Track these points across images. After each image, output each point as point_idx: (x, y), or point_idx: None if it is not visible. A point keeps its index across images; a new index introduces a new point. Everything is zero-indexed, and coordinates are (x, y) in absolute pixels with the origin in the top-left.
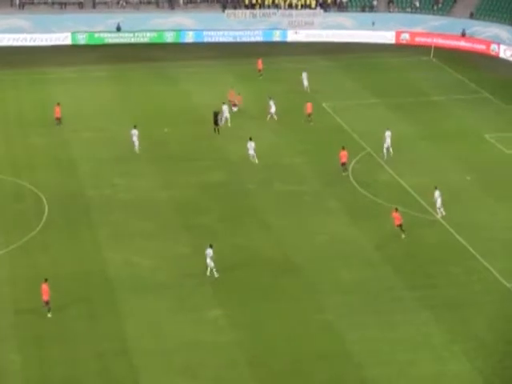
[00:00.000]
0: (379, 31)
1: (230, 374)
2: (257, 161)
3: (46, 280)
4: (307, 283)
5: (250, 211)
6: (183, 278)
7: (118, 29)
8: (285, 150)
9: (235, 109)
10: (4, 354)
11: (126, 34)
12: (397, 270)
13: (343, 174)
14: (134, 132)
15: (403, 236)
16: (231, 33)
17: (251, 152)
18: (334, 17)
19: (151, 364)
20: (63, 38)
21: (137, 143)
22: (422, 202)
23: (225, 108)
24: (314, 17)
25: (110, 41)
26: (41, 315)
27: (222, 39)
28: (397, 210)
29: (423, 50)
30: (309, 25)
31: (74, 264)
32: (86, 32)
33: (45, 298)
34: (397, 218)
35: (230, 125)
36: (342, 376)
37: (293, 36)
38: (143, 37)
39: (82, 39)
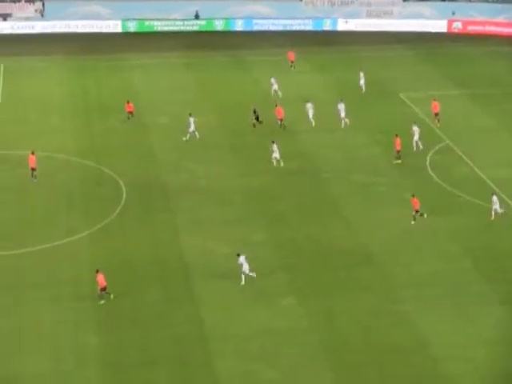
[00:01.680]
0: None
1: (305, 362)
2: (282, 164)
3: (97, 271)
4: (382, 275)
5: (325, 201)
6: (258, 265)
7: (197, 16)
8: (362, 140)
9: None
10: (83, 335)
11: (197, 22)
12: (473, 263)
13: (395, 161)
14: (192, 120)
15: (425, 215)
16: (306, 21)
17: (276, 155)
18: (413, 6)
19: (227, 350)
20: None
21: (191, 129)
22: (503, 196)
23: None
24: (393, 6)
25: (188, 28)
26: (118, 298)
27: (297, 27)
28: (414, 196)
29: (497, 39)
30: (388, 14)
31: (150, 248)
32: (163, 19)
33: (102, 285)
34: (415, 203)
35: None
36: (416, 368)
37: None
38: (218, 25)
39: (158, 26)
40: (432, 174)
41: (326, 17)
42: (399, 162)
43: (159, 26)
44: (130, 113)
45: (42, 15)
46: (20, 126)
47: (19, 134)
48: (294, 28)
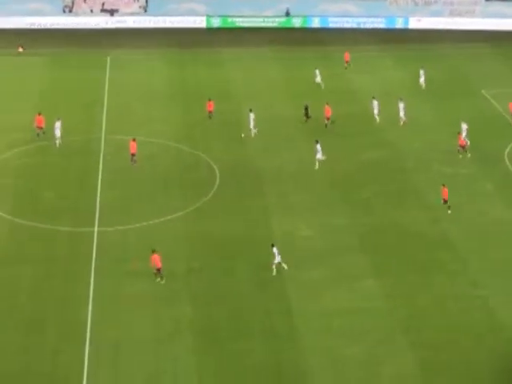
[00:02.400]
0: None
1: (385, 339)
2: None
3: (153, 251)
4: (461, 259)
5: (407, 189)
6: (342, 247)
7: (287, 14)
8: (443, 134)
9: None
10: (178, 306)
11: (276, 19)
12: None
13: (460, 156)
14: (252, 116)
15: (449, 211)
16: (379, 19)
17: (319, 156)
18: (495, 5)
19: (311, 326)
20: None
21: (252, 124)
22: None
23: None
24: (476, 5)
25: (269, 25)
26: (211, 273)
27: (380, 25)
28: (444, 185)
29: None
30: (470, 13)
31: (241, 229)
32: (253, 16)
33: (158, 265)
34: (445, 193)
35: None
36: (494, 350)
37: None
38: (295, 22)
39: (239, 22)
40: (510, 167)
41: (409, 16)
42: (463, 156)
43: (241, 23)
44: (210, 112)
45: (146, 11)
46: (125, 113)
47: (124, 120)
48: (367, 26)
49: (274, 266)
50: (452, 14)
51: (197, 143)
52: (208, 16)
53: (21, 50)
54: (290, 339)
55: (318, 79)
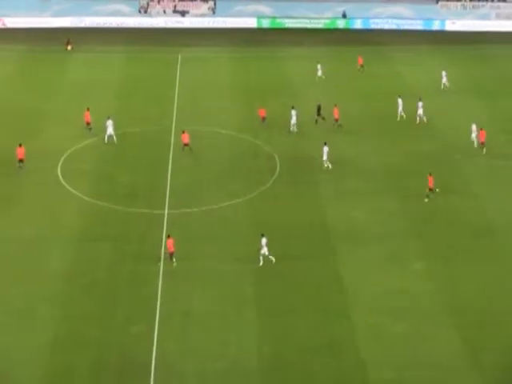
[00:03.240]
0: None
1: (431, 319)
2: (330, 166)
3: (169, 236)
4: (505, 247)
5: (456, 178)
6: (393, 232)
7: (344, 16)
8: (492, 129)
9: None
10: (242, 284)
11: (321, 20)
12: None
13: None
14: (294, 112)
15: (437, 189)
16: (441, 22)
17: (325, 158)
18: None
19: (361, 303)
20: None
21: (293, 121)
22: None
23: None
24: None
25: (314, 26)
26: (271, 254)
27: (408, 27)
28: (430, 174)
29: None
30: None
31: (299, 213)
32: (316, 18)
33: (170, 250)
34: (430, 181)
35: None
36: None
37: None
38: (339, 24)
39: (288, 23)
40: None
41: (459, 18)
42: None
43: (289, 23)
44: (263, 118)
45: (214, 12)
46: (193, 106)
47: (192, 112)
48: (406, 27)
49: (260, 257)
50: (498, 16)
51: (258, 134)
52: (260, 18)
53: (69, 47)
54: (341, 315)
55: (320, 73)
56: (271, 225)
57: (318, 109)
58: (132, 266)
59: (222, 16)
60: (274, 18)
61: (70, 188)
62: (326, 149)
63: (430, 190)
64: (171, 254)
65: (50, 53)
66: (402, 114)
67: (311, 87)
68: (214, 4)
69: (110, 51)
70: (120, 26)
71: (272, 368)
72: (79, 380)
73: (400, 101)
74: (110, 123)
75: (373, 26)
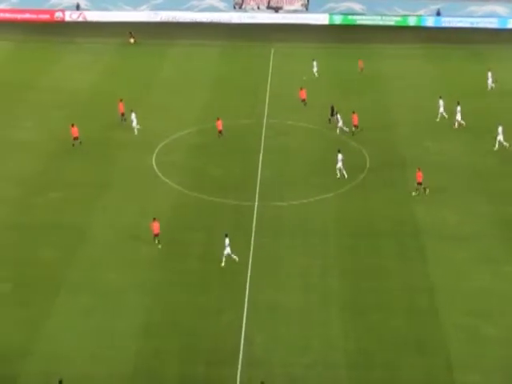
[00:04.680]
0: None
1: None
2: (346, 175)
3: (154, 219)
4: None
5: None
6: (484, 233)
7: (438, 13)
8: None
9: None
10: (328, 278)
11: (393, 18)
12: None
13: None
14: (441, 102)
15: (427, 191)
16: (492, 19)
17: (339, 165)
18: None
19: (451, 303)
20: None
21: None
22: None
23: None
24: None
25: (386, 23)
26: (358, 250)
27: (482, 25)
28: (419, 169)
29: None
30: None
31: (387, 210)
32: (408, 15)
33: (155, 232)
34: (419, 176)
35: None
36: None
37: None
38: (411, 21)
39: (360, 20)
40: None
41: None
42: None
43: (360, 20)
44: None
45: (307, 9)
46: (284, 100)
47: (283, 106)
48: (480, 25)
49: (223, 257)
50: None
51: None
52: (332, 14)
53: (132, 40)
54: (430, 314)
55: (315, 69)
56: (360, 221)
57: (332, 109)
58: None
59: (314, 12)
60: (346, 14)
61: (163, 178)
62: (340, 156)
63: (419, 184)
64: (156, 236)
65: (148, 46)
66: (444, 114)
67: (403, 85)
68: (307, 1)
69: (205, 45)
70: (215, 21)
71: (357, 364)
72: (169, 365)
73: (441, 102)
74: (133, 116)
75: (443, 25)
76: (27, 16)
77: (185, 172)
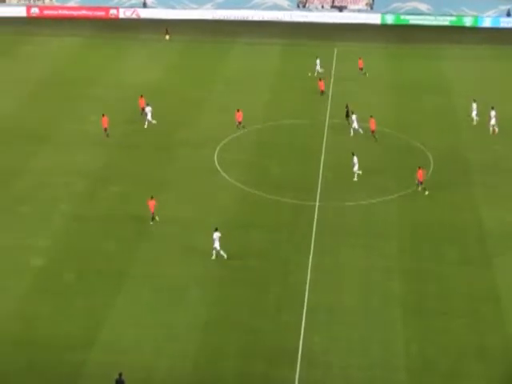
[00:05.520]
0: None
1: None
2: (356, 178)
3: (152, 197)
4: None
5: None
6: None
7: (508, 14)
8: None
9: None
10: (388, 280)
11: (447, 18)
12: None
13: None
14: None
15: (426, 192)
16: None
17: (355, 169)
18: None
19: None
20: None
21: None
22: None
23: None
24: None
25: (440, 23)
26: (419, 253)
27: None
28: (420, 168)
29: None
30: None
31: (451, 215)
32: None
33: (151, 210)
34: (420, 175)
35: None
36: None
37: None
38: (466, 21)
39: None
40: None
41: None
42: None
43: (414, 20)
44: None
45: (371, 8)
46: (347, 100)
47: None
48: None
49: (213, 251)
50: None
51: (410, 131)
52: (384, 14)
53: (167, 37)
54: (495, 324)
55: (318, 67)
56: (423, 225)
57: (347, 110)
58: (282, 255)
59: (379, 12)
60: (398, 14)
61: (224, 175)
62: (355, 159)
63: (420, 182)
64: (153, 214)
65: (210, 43)
66: (475, 117)
67: (468, 87)
68: (372, 0)
69: (267, 44)
70: (278, 19)
71: (418, 368)
72: (229, 361)
73: (474, 105)
74: (148, 109)
75: (502, 25)
76: (83, 13)
77: (246, 170)
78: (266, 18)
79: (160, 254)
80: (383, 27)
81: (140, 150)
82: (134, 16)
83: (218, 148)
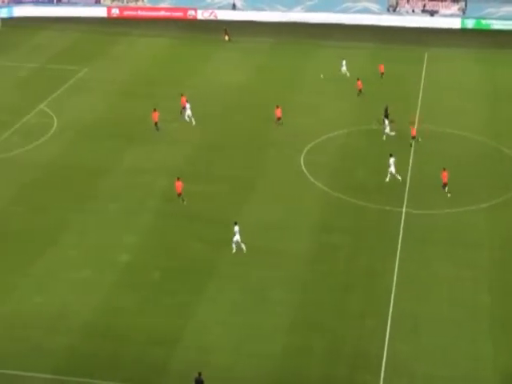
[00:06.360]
0: None
1: None
2: (399, 177)
3: (178, 178)
4: None
5: None
6: None
7: None
8: None
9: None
10: (476, 292)
11: None
12: None
13: None
14: None
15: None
16: None
17: (392, 169)
18: None
19: None
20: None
21: None
22: None
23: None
24: None
25: None
26: (506, 264)
27: None
28: (444, 169)
29: None
30: None
31: None
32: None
33: (178, 191)
34: (444, 176)
35: None
36: None
37: None
38: None
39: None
40: None
41: None
42: None
43: (496, 25)
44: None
45: (464, 13)
46: (436, 106)
47: (435, 112)
48: None
49: (233, 244)
50: None
51: (502, 139)
52: (464, 19)
53: (226, 38)
54: None
55: (344, 69)
56: None
57: (386, 110)
58: (367, 260)
59: (472, 17)
60: (491, 19)
61: (310, 177)
62: (392, 160)
63: (445, 184)
64: (179, 195)
65: (299, 45)
66: None
67: None
68: (465, 5)
69: (356, 48)
70: (367, 23)
71: (505, 383)
72: (314, 363)
73: None
74: (187, 106)
75: None
76: (162, 14)
77: (332, 173)
78: (355, 22)
79: (246, 255)
80: (475, 32)
81: (225, 150)
82: (211, 17)
83: (304, 150)
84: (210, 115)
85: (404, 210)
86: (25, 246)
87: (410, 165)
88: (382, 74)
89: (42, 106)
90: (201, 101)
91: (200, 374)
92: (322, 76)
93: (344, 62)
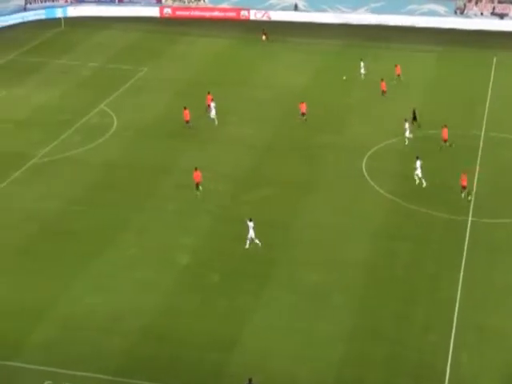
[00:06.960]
0: None
1: None
2: (424, 183)
3: (196, 168)
4: None
5: None
6: None
7: None
8: None
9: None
10: None
11: None
12: None
13: None
14: None
15: (469, 198)
16: None
17: (418, 172)
18: None
19: None
20: None
21: None
22: None
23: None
24: None
25: None
26: None
27: None
28: (463, 172)
29: None
30: None
31: None
32: None
33: (196, 180)
34: (464, 179)
35: None
36: None
37: None
38: None
39: None
40: None
41: None
42: None
43: None
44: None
45: None
46: (506, 112)
47: (504, 119)
48: None
49: (247, 240)
50: None
51: None
52: None
53: (264, 37)
54: None
55: (362, 70)
56: None
57: (414, 112)
58: (431, 270)
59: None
60: None
61: (372, 183)
62: (418, 163)
63: (464, 188)
64: (197, 184)
65: (360, 48)
66: None
67: None
68: None
69: (422, 51)
70: (434, 26)
71: None
72: (374, 372)
73: None
74: (213, 105)
75: None
76: (215, 14)
77: (394, 179)
78: (420, 24)
79: (303, 259)
80: None
81: (288, 153)
82: (264, 18)
83: (366, 155)
84: (273, 118)
85: (470, 218)
86: (84, 246)
87: (477, 173)
88: (399, 75)
89: (102, 105)
90: (259, 102)
91: (250, 380)
92: (344, 78)
93: (362, 64)
